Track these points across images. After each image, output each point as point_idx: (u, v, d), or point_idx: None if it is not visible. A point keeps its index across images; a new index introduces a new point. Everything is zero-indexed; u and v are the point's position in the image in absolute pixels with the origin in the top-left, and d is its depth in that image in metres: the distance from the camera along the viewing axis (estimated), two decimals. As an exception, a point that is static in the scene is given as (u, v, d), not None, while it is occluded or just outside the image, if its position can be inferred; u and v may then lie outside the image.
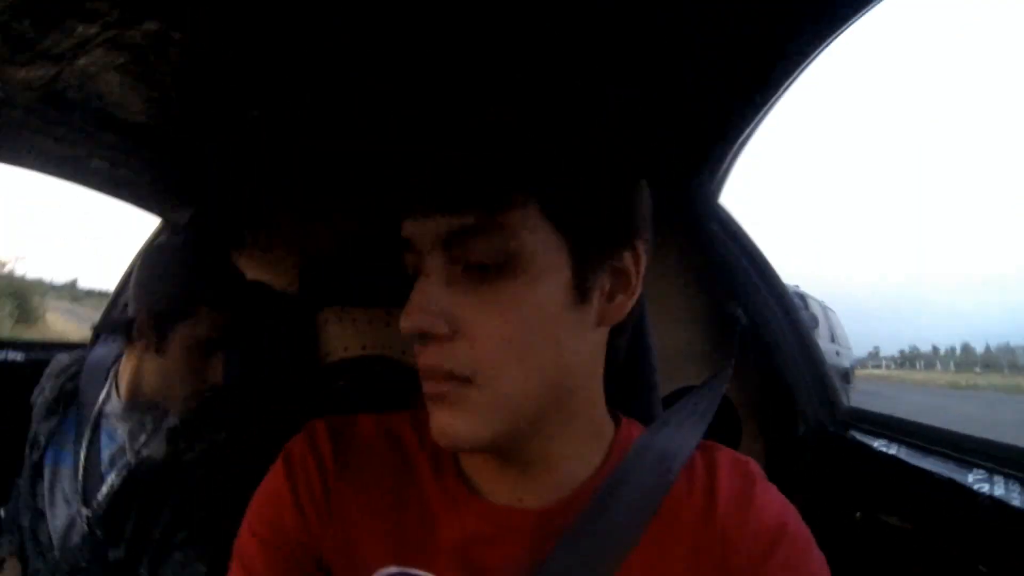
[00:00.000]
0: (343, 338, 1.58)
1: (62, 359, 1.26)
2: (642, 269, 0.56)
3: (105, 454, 1.13)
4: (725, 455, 0.61)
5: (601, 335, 0.57)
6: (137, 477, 1.10)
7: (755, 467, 0.60)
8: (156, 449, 1.12)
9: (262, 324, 1.41)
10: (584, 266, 0.52)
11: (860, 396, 9.76)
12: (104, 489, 1.10)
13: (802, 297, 7.26)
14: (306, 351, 1.55)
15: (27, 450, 1.19)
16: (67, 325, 11.82)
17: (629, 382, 0.74)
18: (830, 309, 8.51)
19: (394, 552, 0.57)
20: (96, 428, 1.15)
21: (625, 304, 0.56)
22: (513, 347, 0.50)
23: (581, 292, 0.52)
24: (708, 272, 1.41)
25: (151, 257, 1.18)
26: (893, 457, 1.05)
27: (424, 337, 0.51)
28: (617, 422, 0.63)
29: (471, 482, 0.60)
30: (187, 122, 1.16)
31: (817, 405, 1.31)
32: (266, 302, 1.48)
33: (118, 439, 1.14)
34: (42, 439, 1.16)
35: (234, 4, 0.78)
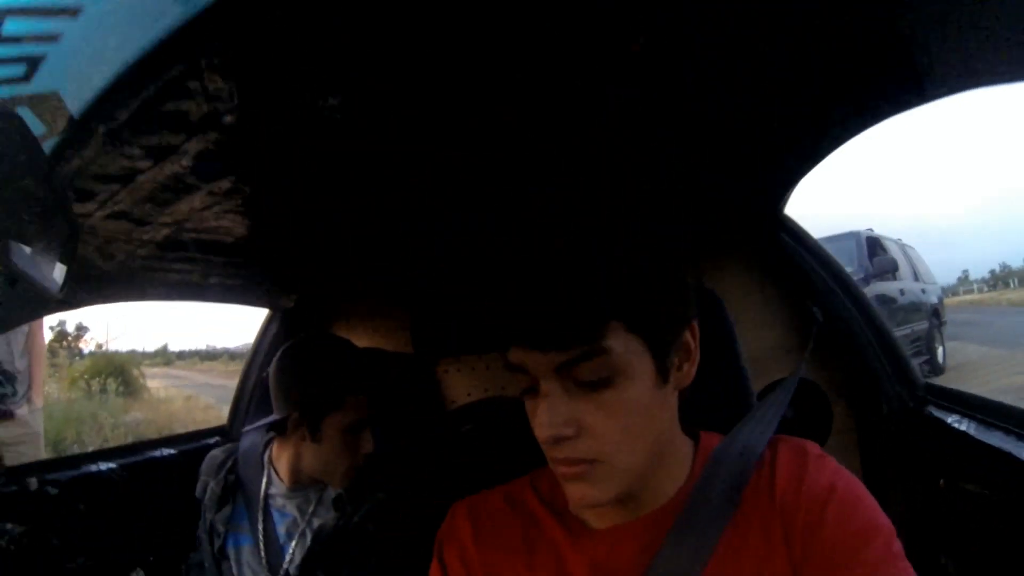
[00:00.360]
0: (465, 385, 1.72)
1: (216, 455, 1.41)
2: (698, 335, 0.70)
3: (280, 530, 1.28)
4: (785, 443, 0.73)
5: (675, 395, 0.70)
6: (316, 543, 1.24)
7: (811, 446, 0.72)
8: (326, 517, 1.26)
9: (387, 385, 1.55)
10: (662, 358, 0.66)
11: (954, 328, 9.34)
12: (287, 558, 1.25)
13: (877, 240, 6.98)
14: (430, 402, 1.67)
15: (206, 537, 1.34)
16: (168, 390, 12.47)
17: (724, 387, 0.90)
18: (908, 246, 8.15)
19: None
20: (267, 509, 1.29)
21: (691, 369, 0.70)
22: (624, 435, 0.64)
23: (662, 376, 0.66)
24: (784, 279, 1.55)
25: (286, 360, 1.28)
26: (964, 432, 1.14)
27: (558, 440, 0.63)
28: (695, 438, 0.76)
29: (584, 518, 0.74)
30: (279, 232, 1.30)
31: (897, 385, 1.42)
32: (386, 366, 1.61)
33: (289, 514, 1.28)
34: (220, 527, 1.30)
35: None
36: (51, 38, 0.53)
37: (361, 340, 1.77)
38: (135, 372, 11.52)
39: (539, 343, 0.63)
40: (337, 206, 1.19)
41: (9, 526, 1.40)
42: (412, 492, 1.28)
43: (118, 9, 0.53)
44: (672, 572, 0.66)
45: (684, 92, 0.88)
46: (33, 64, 0.54)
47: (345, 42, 0.62)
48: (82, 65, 0.56)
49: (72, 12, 0.51)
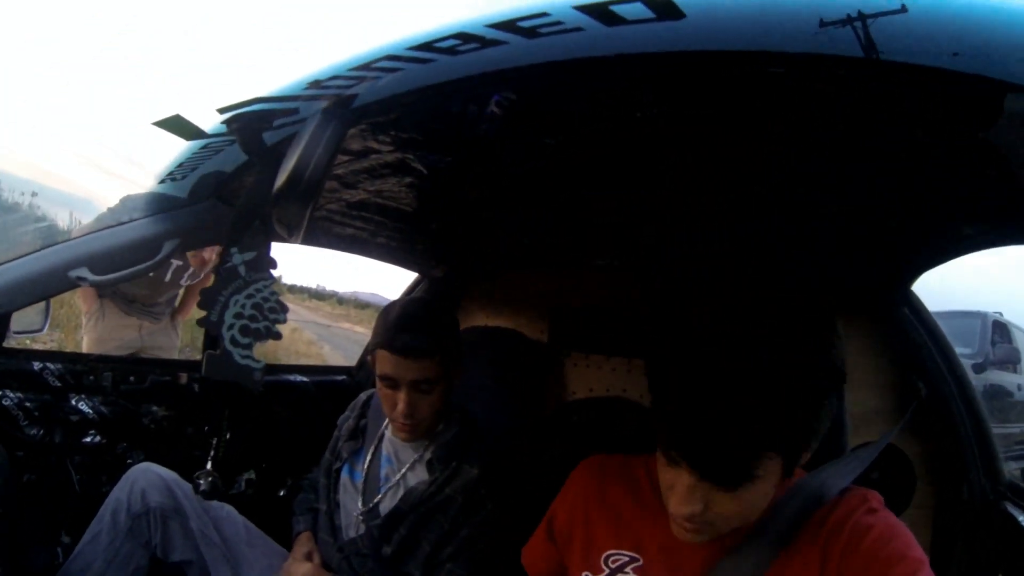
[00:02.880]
0: (589, 380, 1.83)
1: (362, 396, 1.60)
2: None
3: (382, 472, 1.44)
4: (853, 491, 0.83)
5: None
6: (404, 502, 1.37)
7: (872, 495, 0.82)
8: (419, 475, 1.40)
9: (515, 365, 1.71)
10: (792, 463, 0.74)
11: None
12: (378, 498, 1.41)
13: (1004, 326, 6.52)
14: (551, 390, 1.79)
15: (330, 458, 1.54)
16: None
17: (827, 441, 0.99)
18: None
19: (616, 542, 0.90)
20: (377, 449, 1.47)
21: (808, 457, 0.77)
22: (743, 518, 0.77)
23: (788, 473, 0.75)
24: (897, 349, 1.61)
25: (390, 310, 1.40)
26: None
27: (689, 517, 0.76)
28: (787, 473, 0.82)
29: None
30: (449, 210, 1.48)
31: (983, 476, 1.47)
32: (518, 348, 1.77)
33: (392, 461, 1.44)
34: (344, 454, 1.50)
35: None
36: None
37: (499, 320, 1.96)
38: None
39: (707, 474, 0.72)
40: (510, 204, 1.36)
41: (155, 408, 1.71)
42: (505, 473, 1.40)
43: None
44: None
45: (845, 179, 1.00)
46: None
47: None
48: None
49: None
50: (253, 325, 0.85)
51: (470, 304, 2.12)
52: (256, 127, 0.82)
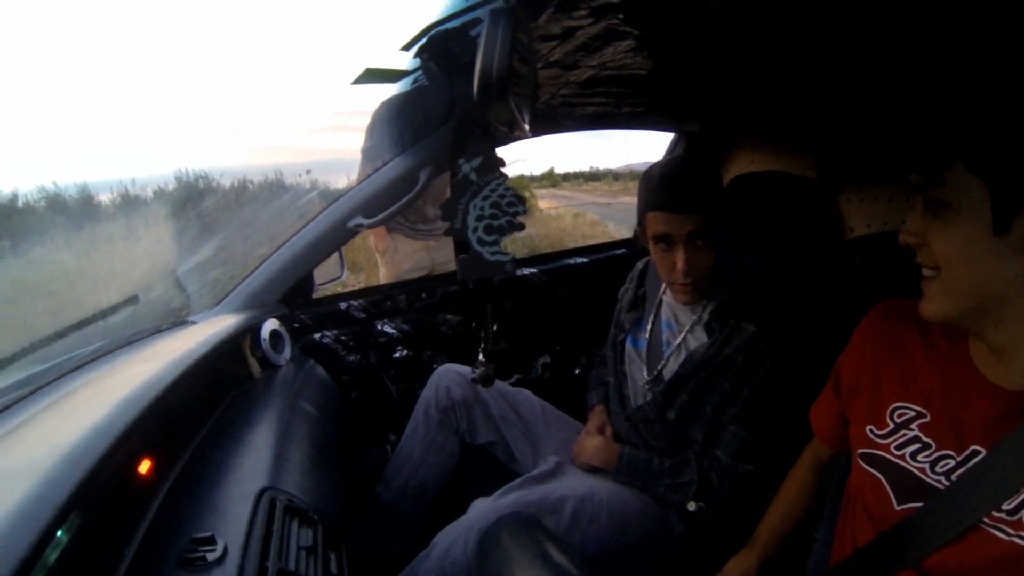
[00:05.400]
0: (864, 215, 1.65)
1: (638, 266, 1.64)
2: None
3: (664, 337, 1.46)
4: None
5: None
6: (685, 366, 1.38)
7: None
8: (699, 338, 1.39)
9: (787, 208, 1.58)
10: (1005, 206, 0.67)
11: None
12: (661, 364, 1.44)
13: None
14: (829, 230, 1.65)
15: (614, 330, 1.61)
16: (558, 209, 13.93)
17: None
18: None
19: (903, 394, 0.84)
20: (657, 315, 1.49)
21: None
22: (953, 256, 0.72)
23: (1002, 225, 0.68)
24: None
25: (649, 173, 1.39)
26: None
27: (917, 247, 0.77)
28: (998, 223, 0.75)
29: (972, 363, 0.79)
30: (685, 63, 1.38)
31: None
32: (788, 189, 1.64)
33: (672, 325, 1.45)
34: (626, 325, 1.55)
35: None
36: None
37: (765, 164, 1.82)
38: (526, 194, 13.05)
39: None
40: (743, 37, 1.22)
41: (449, 316, 1.94)
42: (784, 326, 1.33)
43: None
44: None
45: None
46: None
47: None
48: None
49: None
50: (495, 223, 0.90)
51: (732, 154, 1.99)
52: (444, 49, 0.85)
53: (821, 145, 1.68)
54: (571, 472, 1.46)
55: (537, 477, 1.39)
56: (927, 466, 0.78)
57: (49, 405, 0.85)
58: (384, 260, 2.77)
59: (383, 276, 2.78)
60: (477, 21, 0.79)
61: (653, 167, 1.35)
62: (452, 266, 3.14)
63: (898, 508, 0.80)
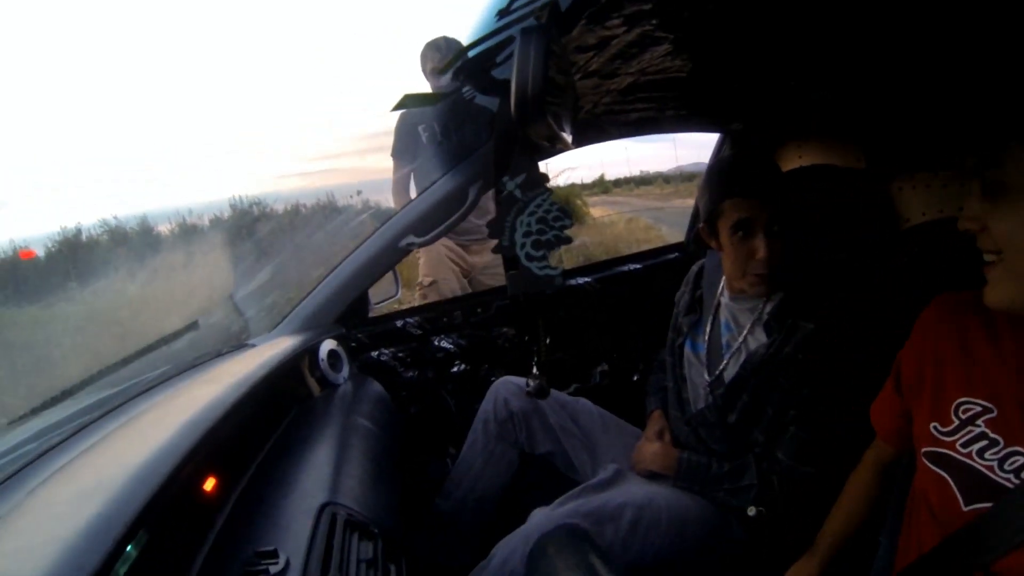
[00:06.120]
0: (918, 203, 1.59)
1: (694, 269, 1.63)
2: None
3: (723, 339, 1.45)
4: None
5: None
6: (745, 368, 1.37)
7: None
8: (759, 338, 1.37)
9: (838, 202, 1.55)
10: None
11: None
12: (721, 366, 1.42)
13: None
14: (883, 221, 1.60)
15: (671, 334, 1.60)
16: (610, 216, 13.81)
17: None
18: None
19: (968, 389, 0.82)
20: (715, 317, 1.48)
21: None
22: (1014, 238, 0.72)
23: None
24: None
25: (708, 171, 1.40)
26: None
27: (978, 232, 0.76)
28: None
29: None
30: (724, 63, 1.36)
31: None
32: (836, 181, 1.61)
33: (731, 327, 1.44)
34: (684, 328, 1.55)
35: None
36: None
37: (813, 157, 1.78)
38: (578, 202, 12.99)
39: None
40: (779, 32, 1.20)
41: (504, 329, 1.96)
42: (844, 323, 1.29)
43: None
44: None
45: None
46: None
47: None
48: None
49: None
50: (543, 237, 0.91)
51: (780, 150, 1.95)
52: (480, 70, 0.87)
53: (868, 134, 1.64)
54: (630, 479, 1.45)
55: (596, 485, 1.38)
56: (995, 464, 0.75)
57: (118, 428, 0.89)
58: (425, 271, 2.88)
59: (422, 266, 2.90)
60: (511, 40, 0.81)
61: (718, 162, 1.37)
62: (496, 266, 3.22)
63: (966, 509, 0.77)
